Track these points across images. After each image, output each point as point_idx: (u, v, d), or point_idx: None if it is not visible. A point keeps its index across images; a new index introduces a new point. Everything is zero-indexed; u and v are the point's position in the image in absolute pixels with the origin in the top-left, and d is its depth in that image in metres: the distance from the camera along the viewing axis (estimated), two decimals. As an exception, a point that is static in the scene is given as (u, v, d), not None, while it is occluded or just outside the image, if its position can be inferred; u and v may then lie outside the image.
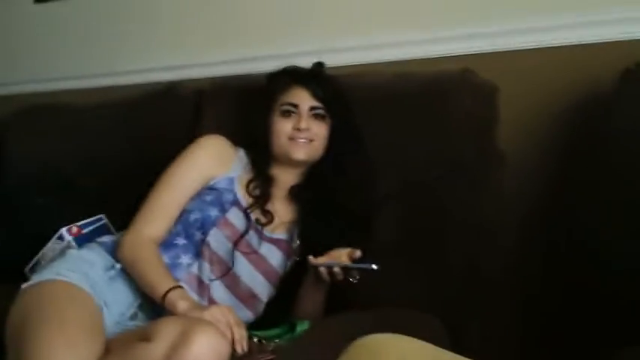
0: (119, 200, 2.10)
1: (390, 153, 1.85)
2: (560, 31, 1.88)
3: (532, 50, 1.91)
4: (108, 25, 2.74)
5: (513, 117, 1.85)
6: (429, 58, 2.05)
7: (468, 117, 1.79)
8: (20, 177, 2.50)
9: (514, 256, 1.84)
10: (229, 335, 1.38)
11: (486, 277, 1.71)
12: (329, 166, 1.79)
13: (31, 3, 2.95)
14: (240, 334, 1.40)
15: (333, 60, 1.94)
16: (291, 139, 1.75)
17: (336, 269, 1.55)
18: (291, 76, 1.83)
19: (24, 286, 1.58)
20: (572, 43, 1.86)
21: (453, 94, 1.82)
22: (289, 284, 1.73)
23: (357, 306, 1.63)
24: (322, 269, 1.58)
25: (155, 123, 2.29)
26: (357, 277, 1.54)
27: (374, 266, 1.50)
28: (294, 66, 1.87)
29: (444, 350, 1.11)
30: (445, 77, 1.87)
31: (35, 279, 1.59)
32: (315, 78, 1.82)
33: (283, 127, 1.76)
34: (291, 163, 1.78)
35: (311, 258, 1.61)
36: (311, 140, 1.76)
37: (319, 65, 1.88)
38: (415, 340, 1.11)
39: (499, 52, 1.96)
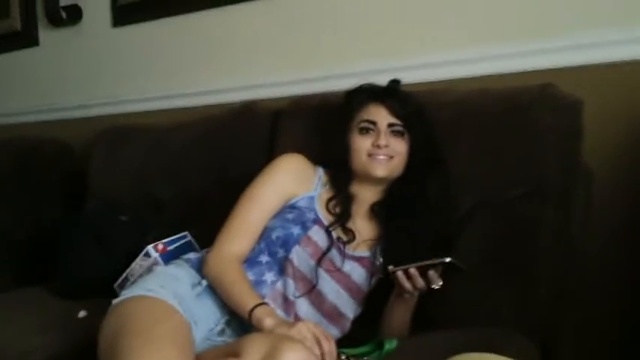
0: (200, 217, 2.17)
1: (470, 171, 1.83)
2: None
3: (617, 64, 1.87)
4: (185, 46, 2.79)
5: (598, 132, 1.81)
6: (508, 74, 2.02)
7: (550, 132, 1.75)
8: (105, 196, 2.56)
9: (604, 274, 1.80)
10: (317, 351, 1.39)
11: (575, 296, 1.68)
12: (409, 183, 1.78)
13: (110, 27, 3.02)
14: (329, 349, 1.41)
15: (409, 77, 1.93)
16: (371, 155, 1.75)
17: (412, 270, 1.53)
18: (368, 94, 1.84)
19: (115, 301, 1.62)
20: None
21: (534, 108, 1.79)
22: (375, 302, 1.72)
23: (444, 326, 1.63)
24: (400, 274, 1.55)
25: (233, 142, 2.32)
26: (440, 283, 1.52)
27: (447, 259, 1.49)
28: (371, 83, 1.87)
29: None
30: (525, 92, 1.84)
31: (125, 294, 1.62)
32: (392, 95, 1.82)
33: (362, 145, 1.77)
34: (371, 180, 1.78)
35: (390, 266, 1.60)
36: (390, 157, 1.76)
37: (396, 82, 1.88)
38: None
39: (583, 66, 1.92)
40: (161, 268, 1.76)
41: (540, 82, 1.83)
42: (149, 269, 1.89)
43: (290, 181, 1.79)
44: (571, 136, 1.77)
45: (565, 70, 1.94)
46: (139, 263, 1.99)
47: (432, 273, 1.52)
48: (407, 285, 1.56)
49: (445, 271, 1.53)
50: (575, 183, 1.75)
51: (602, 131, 1.84)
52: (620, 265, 1.86)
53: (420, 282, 1.54)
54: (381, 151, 1.75)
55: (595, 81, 1.88)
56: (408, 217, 1.74)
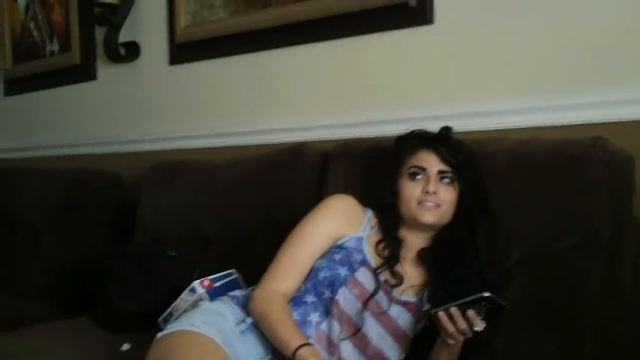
0: (246, 256, 2.19)
1: (519, 221, 1.81)
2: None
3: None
4: (238, 86, 2.84)
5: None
6: (558, 126, 2.01)
7: (602, 185, 1.73)
8: (153, 230, 2.61)
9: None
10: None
11: (625, 353, 1.65)
12: (458, 231, 1.78)
13: (167, 64, 3.10)
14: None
15: (460, 125, 1.94)
16: (420, 202, 1.75)
17: (453, 309, 1.51)
18: (420, 140, 1.84)
19: (159, 335, 1.64)
20: None
21: (584, 161, 1.77)
22: (420, 349, 1.71)
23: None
24: (442, 315, 1.53)
25: (282, 182, 2.34)
26: (482, 325, 1.50)
27: (485, 294, 1.48)
28: (423, 129, 1.88)
29: None
30: (575, 144, 1.82)
31: (170, 328, 1.64)
32: (443, 142, 1.82)
33: (412, 191, 1.77)
34: (419, 226, 1.78)
35: (431, 309, 1.58)
36: (438, 205, 1.76)
37: (447, 129, 1.88)
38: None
39: (634, 120, 1.90)
40: (206, 304, 1.78)
41: (591, 134, 1.82)
42: (194, 305, 1.91)
43: (339, 221, 1.80)
44: (622, 190, 1.75)
45: (615, 125, 1.92)
46: (184, 298, 2.01)
47: (471, 313, 1.50)
48: (449, 327, 1.53)
49: (487, 313, 1.51)
50: (626, 237, 1.72)
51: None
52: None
53: (462, 323, 1.51)
54: (430, 198, 1.75)
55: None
56: (456, 264, 1.73)
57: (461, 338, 1.56)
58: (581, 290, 1.70)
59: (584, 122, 1.97)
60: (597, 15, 1.99)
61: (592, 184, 1.75)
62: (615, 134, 1.81)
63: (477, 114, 2.16)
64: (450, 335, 1.54)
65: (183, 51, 3.03)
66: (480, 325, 1.49)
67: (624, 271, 1.71)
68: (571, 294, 1.72)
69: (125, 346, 2.09)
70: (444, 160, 1.78)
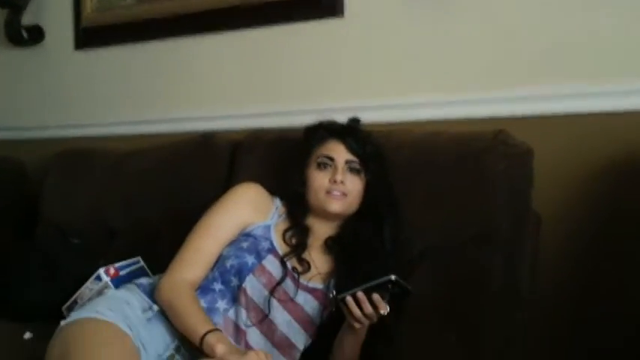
0: (153, 247, 2.16)
1: (424, 213, 1.86)
2: (596, 98, 1.90)
3: (568, 116, 1.94)
4: (147, 73, 2.80)
5: (548, 182, 1.87)
6: (462, 119, 2.08)
7: (502, 177, 1.80)
8: (58, 218, 2.53)
9: (550, 322, 1.84)
10: (267, 380, 1.39)
11: (522, 344, 1.71)
12: (364, 221, 1.81)
13: (72, 50, 3.01)
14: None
15: (367, 117, 1.97)
16: (328, 192, 1.78)
17: (360, 294, 1.52)
18: (328, 130, 1.88)
19: (63, 323, 1.61)
20: (608, 111, 1.88)
21: (487, 154, 1.83)
22: (326, 335, 1.72)
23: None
24: (349, 299, 1.53)
25: (191, 172, 2.32)
26: (387, 308, 1.51)
27: (392, 277, 1.50)
28: (332, 120, 1.91)
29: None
30: (477, 137, 1.89)
31: (74, 316, 1.61)
32: (351, 133, 1.86)
33: (320, 180, 1.80)
34: (326, 215, 1.81)
35: (335, 292, 1.59)
36: (345, 194, 1.79)
37: (355, 121, 1.93)
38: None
39: (534, 116, 1.99)
40: (112, 292, 1.75)
41: (493, 128, 1.88)
42: (99, 293, 1.88)
43: (246, 209, 1.81)
44: (522, 183, 1.82)
45: (516, 119, 1.99)
46: (89, 287, 1.97)
47: (376, 296, 1.51)
48: (356, 311, 1.53)
49: (392, 297, 1.54)
50: (524, 228, 1.79)
51: (552, 182, 1.90)
52: (566, 311, 1.91)
53: (368, 307, 1.51)
54: (337, 187, 1.78)
55: (544, 131, 1.94)
56: (361, 254, 1.76)
57: (367, 322, 1.57)
58: (481, 281, 1.76)
59: (488, 117, 2.04)
60: (503, 16, 2.07)
61: (492, 177, 1.81)
62: (517, 129, 1.88)
63: (384, 106, 2.22)
64: (357, 320, 1.55)
65: (89, 36, 2.94)
66: (384, 309, 1.51)
67: (522, 265, 1.77)
68: (471, 285, 1.77)
69: (27, 335, 2.03)
70: (351, 150, 1.81)
